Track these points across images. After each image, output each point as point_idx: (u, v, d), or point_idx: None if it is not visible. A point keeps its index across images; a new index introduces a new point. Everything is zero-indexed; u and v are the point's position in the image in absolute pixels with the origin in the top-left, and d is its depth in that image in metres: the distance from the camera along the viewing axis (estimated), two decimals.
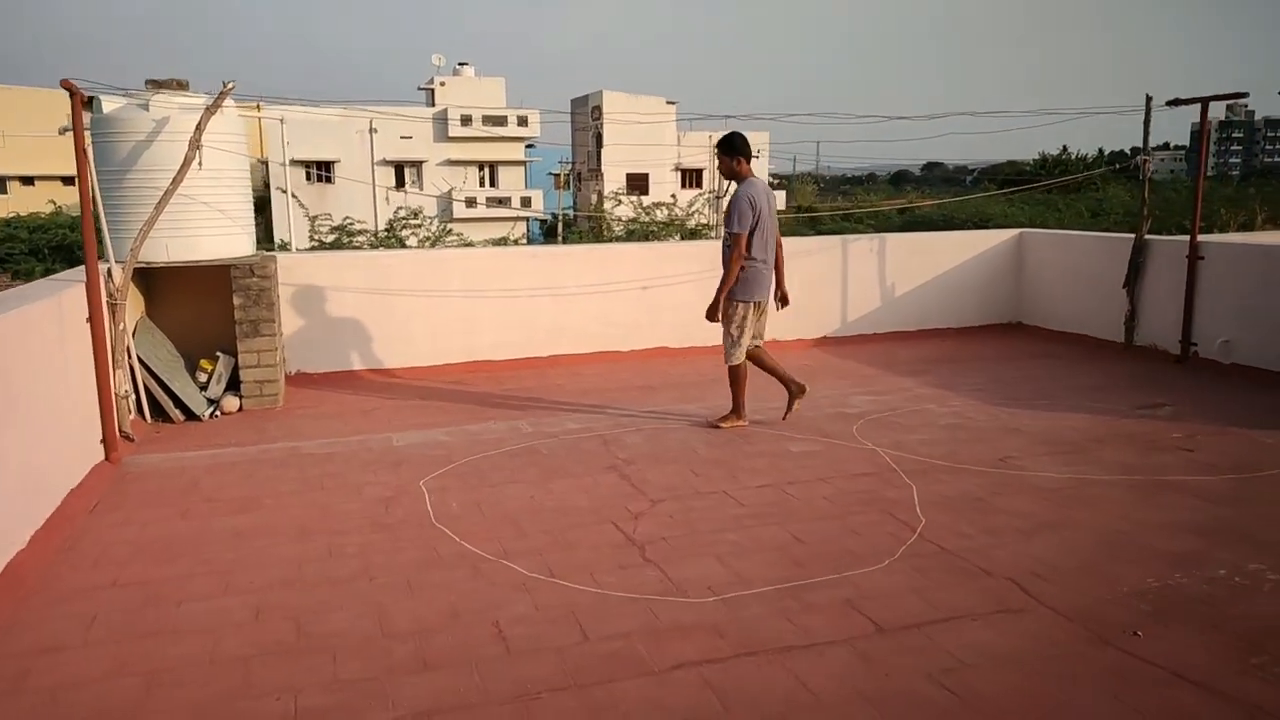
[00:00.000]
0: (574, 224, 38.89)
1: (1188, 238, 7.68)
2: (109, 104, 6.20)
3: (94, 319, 5.25)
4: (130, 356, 6.03)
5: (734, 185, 5.88)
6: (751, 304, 5.83)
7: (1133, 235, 8.26)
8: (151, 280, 6.94)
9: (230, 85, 6.12)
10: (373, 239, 22.18)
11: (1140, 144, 8.17)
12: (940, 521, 4.23)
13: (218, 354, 6.74)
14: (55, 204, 27.03)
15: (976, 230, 11.80)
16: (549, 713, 2.73)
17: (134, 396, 6.16)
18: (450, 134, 47.55)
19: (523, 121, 49.20)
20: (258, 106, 45.46)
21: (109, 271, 5.76)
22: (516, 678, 2.92)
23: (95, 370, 5.28)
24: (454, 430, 6.02)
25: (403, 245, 22.68)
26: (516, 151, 50.30)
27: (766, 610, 3.37)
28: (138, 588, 3.61)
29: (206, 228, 6.38)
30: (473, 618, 3.33)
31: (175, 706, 2.76)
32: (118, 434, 5.70)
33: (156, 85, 6.37)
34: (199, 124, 5.94)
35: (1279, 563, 3.71)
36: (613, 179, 51.60)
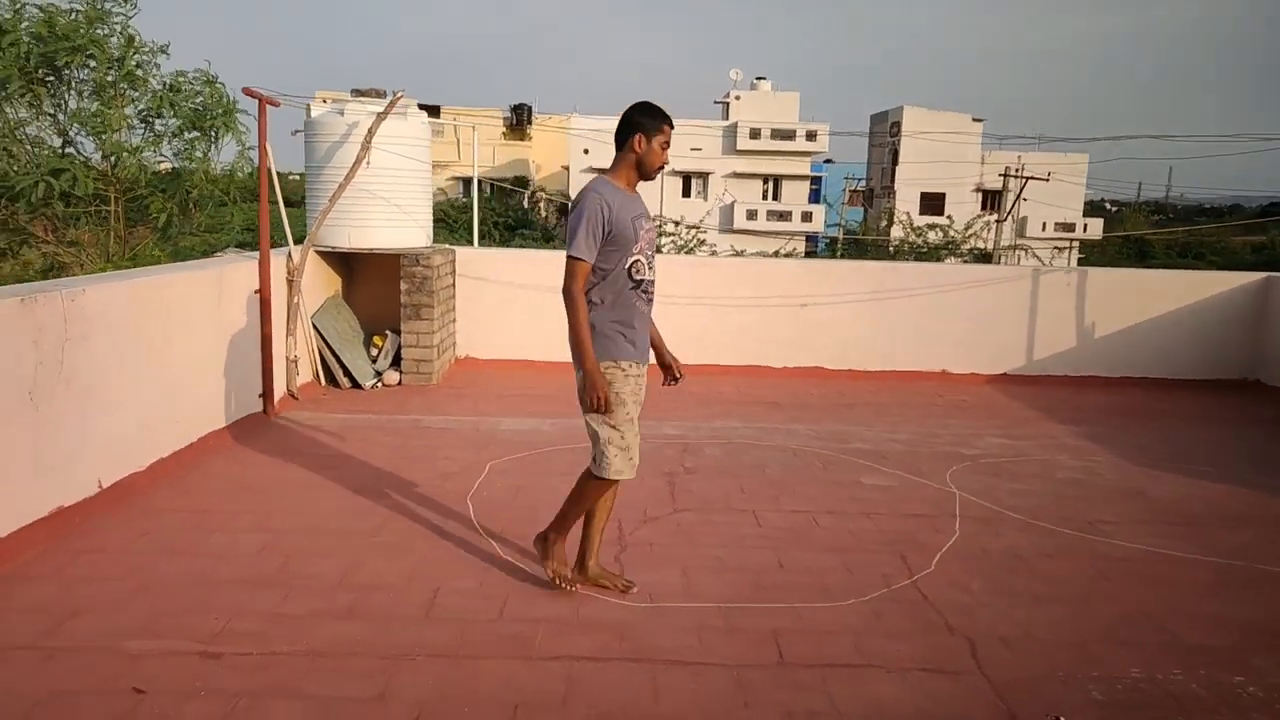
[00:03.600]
0: (857, 239, 38.28)
1: None
2: (316, 108, 7.23)
3: (263, 292, 6.17)
4: (306, 327, 7.00)
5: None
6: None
7: None
8: (353, 263, 7.97)
9: (399, 94, 6.91)
10: None
11: None
12: (950, 573, 3.92)
13: (387, 332, 7.61)
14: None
15: (1211, 271, 10.29)
16: (409, 672, 2.96)
17: (314, 362, 7.16)
18: (738, 147, 48.52)
19: (811, 136, 49.07)
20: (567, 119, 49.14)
21: (289, 253, 6.73)
22: (413, 640, 3.17)
23: (261, 336, 6.21)
24: (560, 422, 6.38)
25: (658, 251, 23.71)
26: (802, 166, 50.24)
27: (687, 624, 3.36)
28: (194, 515, 4.29)
29: (382, 220, 7.23)
30: (422, 583, 3.63)
31: (134, 613, 3.30)
32: (286, 391, 6.67)
33: (359, 94, 7.32)
34: (370, 129, 6.77)
35: None
36: (906, 197, 50.11)
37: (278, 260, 6.62)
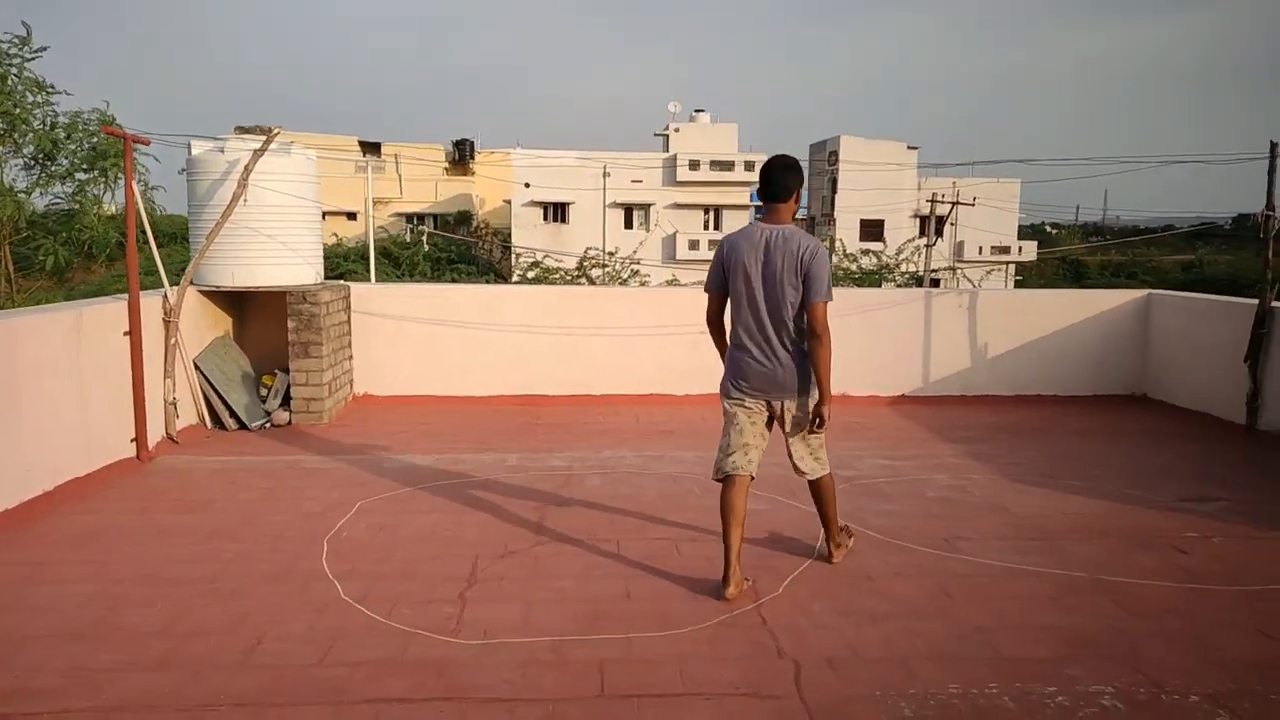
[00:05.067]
0: None
1: None
2: (197, 147, 7.14)
3: (132, 334, 6.03)
4: (187, 368, 6.85)
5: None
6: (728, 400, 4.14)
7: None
8: (244, 302, 7.85)
9: (276, 130, 6.86)
10: (563, 275, 23.48)
11: None
12: (796, 596, 3.92)
13: (276, 371, 7.48)
14: (336, 236, 30.89)
15: (1097, 290, 10.60)
16: None
17: (197, 404, 7.00)
18: (678, 178, 49.00)
19: (750, 166, 49.71)
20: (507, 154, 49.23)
21: (165, 294, 6.59)
22: (219, 689, 3.07)
23: (132, 379, 6.06)
24: (446, 458, 6.30)
25: (591, 282, 23.78)
26: (742, 196, 50.87)
27: (513, 660, 3.30)
28: (27, 567, 4.14)
29: (267, 257, 7.14)
30: (248, 630, 3.53)
31: None
32: (165, 434, 6.51)
33: (242, 131, 7.24)
34: (247, 165, 6.70)
35: (1133, 687, 3.11)
36: (846, 224, 50.94)
37: (153, 301, 6.49)
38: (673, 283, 21.50)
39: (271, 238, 7.12)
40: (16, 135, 10.00)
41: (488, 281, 28.83)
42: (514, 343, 8.31)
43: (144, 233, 6.39)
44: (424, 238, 42.75)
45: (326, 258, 24.86)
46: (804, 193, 4.08)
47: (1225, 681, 3.18)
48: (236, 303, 7.79)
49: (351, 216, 55.03)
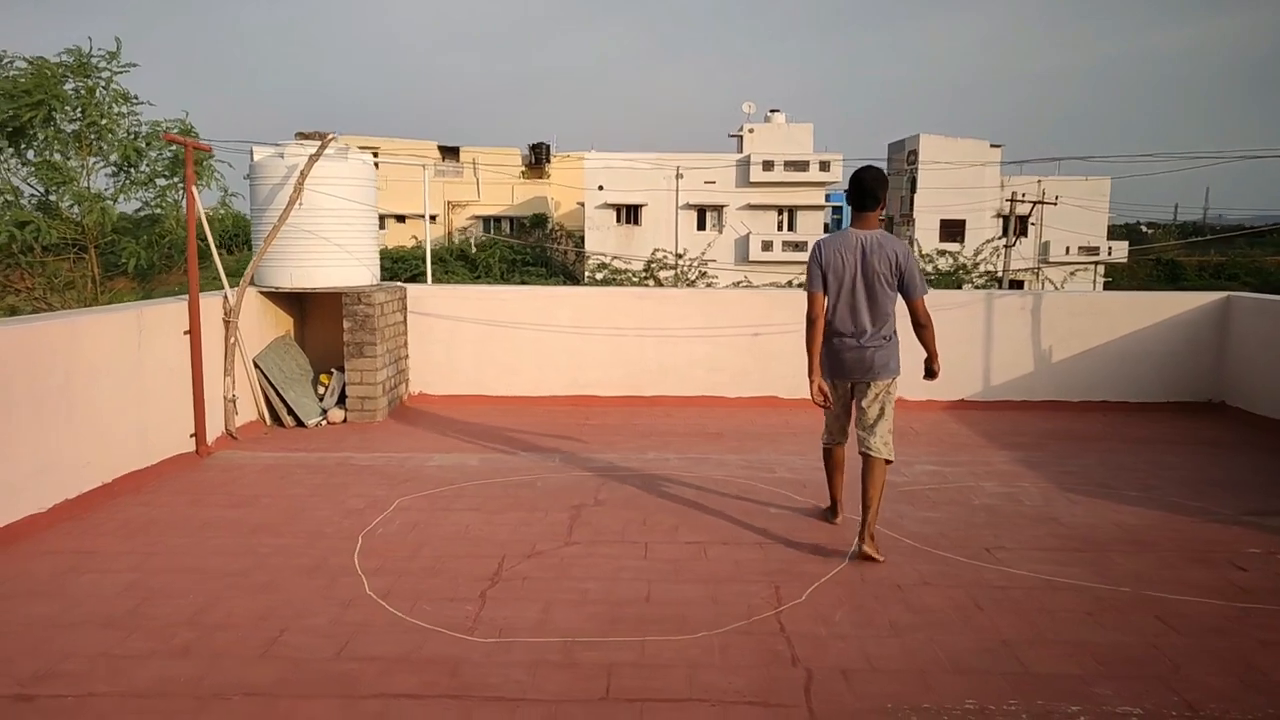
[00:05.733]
0: None
1: None
2: (259, 153, 7.37)
3: (193, 332, 6.26)
4: (247, 366, 7.08)
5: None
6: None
7: None
8: (305, 304, 8.09)
9: (331, 136, 7.04)
10: (633, 277, 23.59)
11: None
12: (819, 603, 3.85)
13: (333, 370, 7.67)
14: (415, 239, 31.70)
15: (1172, 292, 10.12)
16: (216, 713, 2.95)
17: (256, 402, 7.24)
18: (751, 179, 48.68)
19: (825, 166, 49.10)
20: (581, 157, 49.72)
21: (225, 295, 6.82)
22: (235, 680, 3.16)
23: (192, 377, 6.29)
24: (489, 457, 6.38)
25: (659, 284, 23.79)
26: (817, 196, 50.27)
27: (525, 660, 3.32)
28: (76, 555, 4.33)
29: (324, 259, 7.33)
30: (273, 622, 3.62)
31: None
32: (224, 430, 6.74)
33: (303, 137, 7.46)
34: (302, 170, 6.89)
35: (1164, 708, 2.96)
36: (926, 224, 49.96)
37: (214, 302, 6.73)
38: (740, 284, 21.34)
39: (328, 240, 7.31)
40: (104, 144, 10.49)
41: (560, 283, 29.11)
42: (565, 343, 8.36)
43: (205, 237, 6.61)
44: (469, 241, 43.41)
45: (404, 259, 25.73)
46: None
47: (1266, 707, 3.00)
48: (297, 303, 8.02)
49: (432, 219, 56.21)
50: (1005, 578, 4.16)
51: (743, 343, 8.38)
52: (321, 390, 7.64)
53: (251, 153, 7.41)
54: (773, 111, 54.12)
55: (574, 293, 9.32)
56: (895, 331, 4.56)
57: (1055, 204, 33.86)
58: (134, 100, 10.65)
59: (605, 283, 22.94)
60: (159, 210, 10.66)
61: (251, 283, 7.45)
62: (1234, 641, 3.49)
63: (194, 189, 6.27)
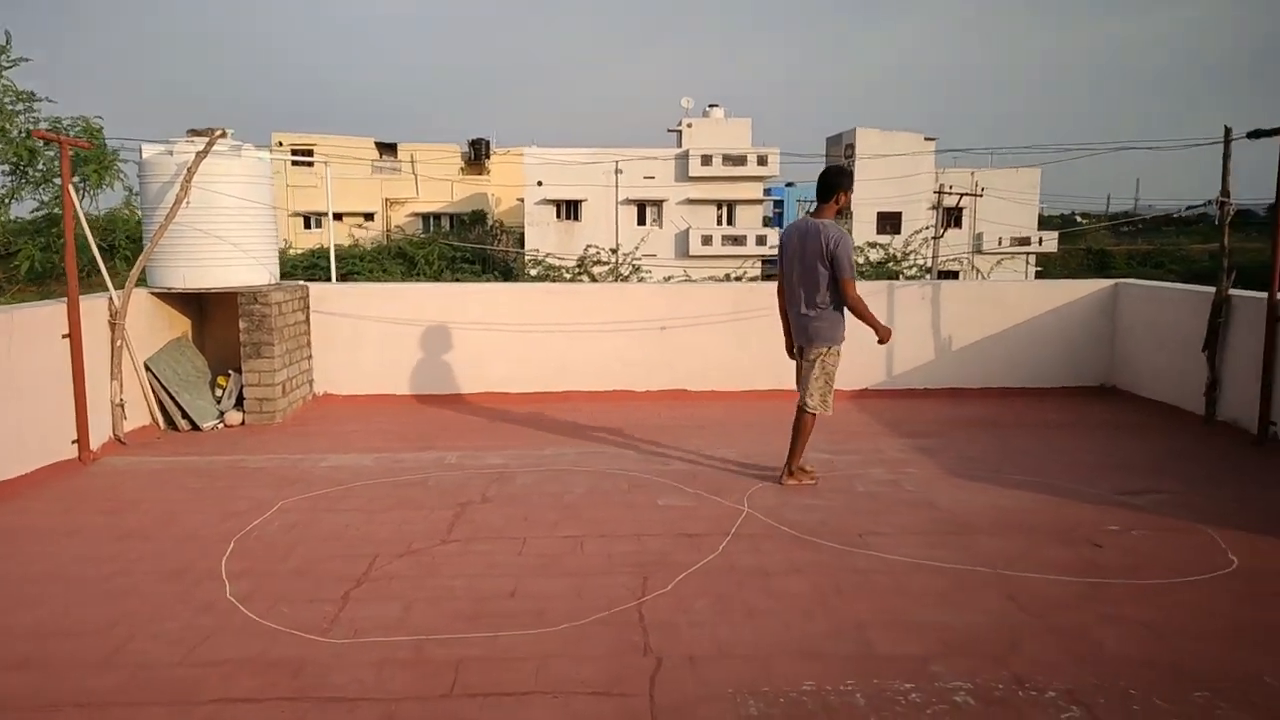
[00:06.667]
0: None
1: (1266, 294, 6.38)
2: (148, 150, 7.20)
3: (72, 336, 6.09)
4: (138, 369, 6.91)
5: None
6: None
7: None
8: (204, 304, 7.91)
9: (219, 132, 6.90)
10: (567, 272, 23.53)
11: None
12: (683, 593, 3.88)
13: (230, 372, 7.53)
14: (354, 238, 31.23)
15: (1065, 280, 10.42)
16: None
17: (150, 405, 7.07)
18: (690, 174, 48.85)
19: (763, 161, 49.48)
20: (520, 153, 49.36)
21: (110, 297, 6.65)
22: (74, 689, 3.09)
23: (73, 381, 6.11)
24: (386, 457, 6.31)
25: (593, 279, 23.77)
26: (756, 191, 50.64)
27: (373, 659, 3.29)
28: None
29: (218, 259, 7.18)
30: (122, 630, 3.54)
31: None
32: (112, 435, 6.57)
33: (194, 134, 7.29)
34: (189, 168, 6.74)
35: (992, 683, 3.05)
36: (863, 218, 50.55)
37: (98, 304, 6.55)
38: (670, 279, 21.41)
39: (222, 239, 7.17)
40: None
41: (495, 280, 28.90)
42: (474, 340, 8.31)
43: (85, 237, 6.43)
44: (408, 238, 42.86)
45: (341, 258, 25.13)
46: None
47: (1089, 677, 3.10)
48: (196, 304, 7.85)
49: (369, 218, 55.43)
50: (872, 562, 4.24)
51: (651, 337, 8.41)
52: (219, 392, 7.49)
53: (140, 150, 7.23)
54: (711, 106, 54.33)
55: (482, 289, 9.27)
56: (830, 306, 5.28)
57: (981, 195, 34.62)
58: (29, 97, 10.31)
59: (540, 279, 22.84)
60: (58, 210, 10.34)
61: (144, 284, 7.28)
62: (1076, 617, 3.61)
63: (70, 189, 6.09)
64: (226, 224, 7.18)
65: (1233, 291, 6.85)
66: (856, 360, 8.38)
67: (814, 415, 5.43)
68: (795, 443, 5.49)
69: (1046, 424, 7.28)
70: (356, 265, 37.11)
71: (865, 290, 8.65)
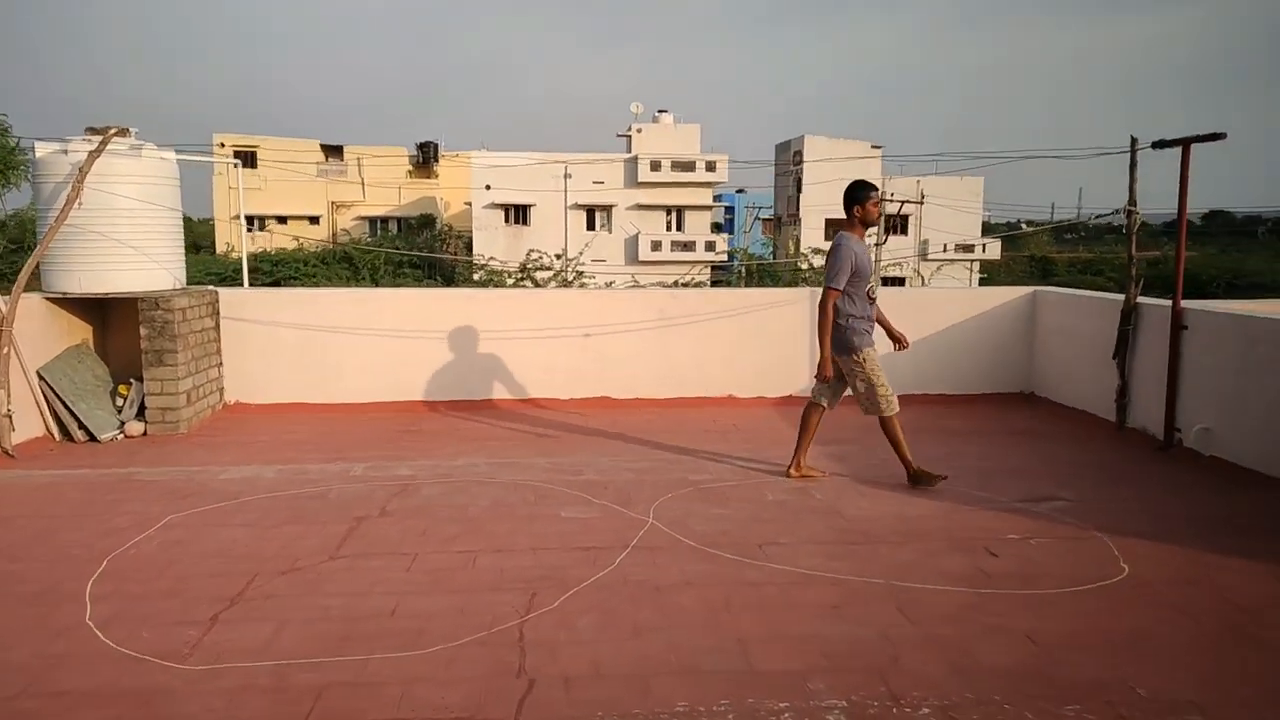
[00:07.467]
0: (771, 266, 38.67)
1: (1170, 301, 6.47)
2: (41, 149, 6.91)
3: None
4: (29, 378, 6.61)
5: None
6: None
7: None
8: (106, 311, 7.61)
9: (113, 131, 6.64)
10: (510, 277, 23.33)
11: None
12: (569, 610, 3.77)
13: (132, 380, 7.25)
14: (298, 240, 30.55)
15: (986, 288, 10.55)
16: None
17: (44, 416, 6.78)
18: (639, 179, 48.86)
19: (711, 167, 49.67)
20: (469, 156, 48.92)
21: None
22: None
23: None
24: (289, 468, 6.10)
25: (536, 285, 23.59)
26: (705, 196, 50.81)
27: (228, 686, 3.13)
28: None
29: (117, 263, 6.91)
30: None
31: None
32: None
33: (92, 132, 7.01)
34: (81, 168, 6.48)
35: (868, 699, 2.98)
36: (812, 224, 51.00)
37: None
38: (611, 284, 21.31)
39: (121, 242, 6.90)
40: None
41: (435, 285, 28.55)
42: (390, 348, 8.12)
43: None
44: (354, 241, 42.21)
45: (283, 262, 24.65)
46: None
47: (965, 691, 3.06)
48: (98, 310, 7.55)
49: (314, 220, 54.52)
50: (766, 574, 4.17)
51: (575, 343, 8.30)
52: (120, 402, 7.21)
53: (34, 148, 6.94)
54: (660, 112, 54.41)
55: (398, 294, 9.07)
56: (850, 316, 5.49)
57: (922, 203, 35.03)
58: None
59: (483, 284, 22.64)
60: None
61: (38, 288, 6.99)
62: (960, 628, 3.57)
63: None
64: (125, 226, 6.92)
65: (1140, 299, 6.93)
66: (780, 368, 8.39)
67: (889, 418, 5.61)
68: (801, 438, 5.82)
69: (963, 431, 7.31)
70: (301, 269, 36.46)
71: (789, 297, 8.68)
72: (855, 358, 5.54)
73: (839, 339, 5.52)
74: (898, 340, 5.87)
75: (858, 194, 5.52)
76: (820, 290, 5.66)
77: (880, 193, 5.58)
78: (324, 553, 4.46)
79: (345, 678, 3.20)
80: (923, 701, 3.00)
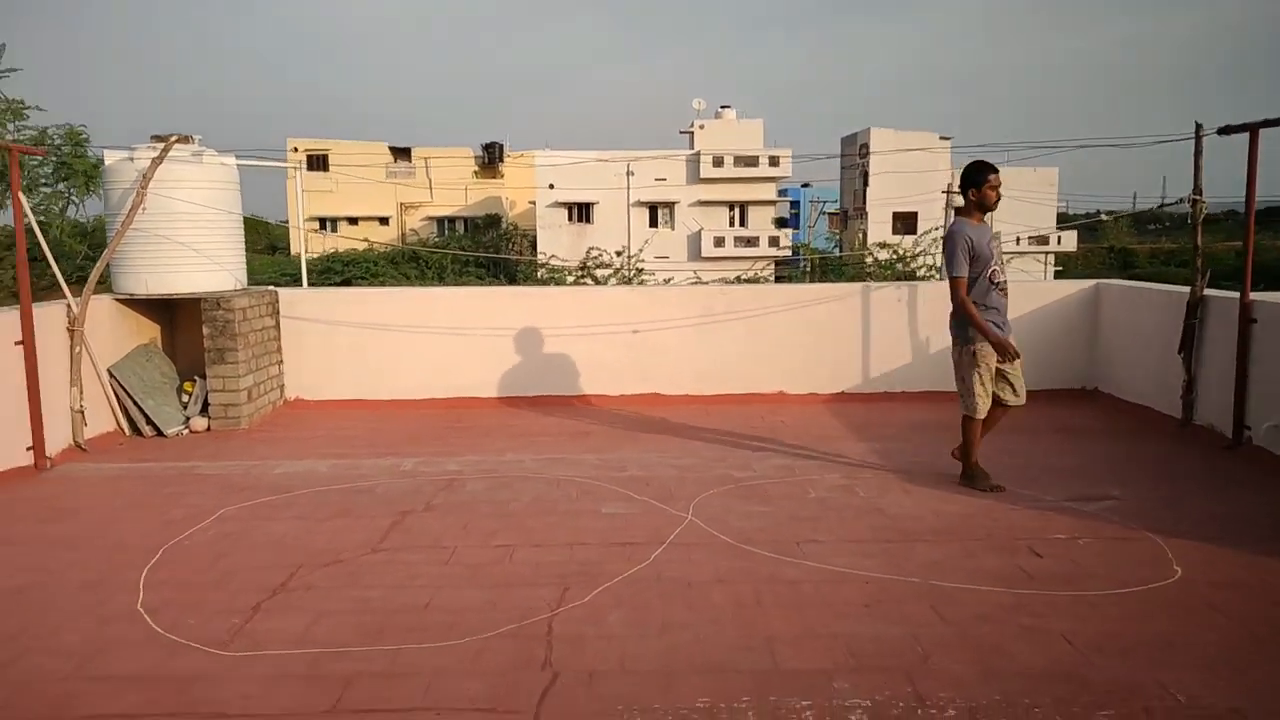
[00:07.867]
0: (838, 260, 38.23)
1: (1239, 294, 6.20)
2: (110, 156, 7.20)
3: (25, 343, 6.08)
4: (100, 376, 6.90)
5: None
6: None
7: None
8: (174, 311, 7.91)
9: (174, 139, 6.88)
10: (570, 275, 23.44)
11: None
12: (600, 604, 3.79)
13: (196, 378, 7.51)
14: (369, 241, 31.32)
15: (1047, 281, 10.23)
16: None
17: (114, 412, 7.07)
18: (702, 175, 48.71)
19: (774, 162, 49.24)
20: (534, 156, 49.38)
21: (68, 304, 6.64)
22: None
23: (27, 387, 6.10)
24: (342, 463, 6.26)
25: (597, 282, 23.66)
26: (768, 191, 50.43)
27: (268, 674, 3.22)
28: None
29: (181, 265, 7.17)
30: (23, 642, 3.48)
31: None
32: (72, 442, 6.57)
33: (158, 140, 7.28)
34: (145, 174, 6.73)
35: (893, 700, 2.93)
36: (879, 218, 50.26)
37: (57, 310, 6.55)
38: (669, 281, 21.25)
39: (185, 245, 7.15)
40: None
41: (498, 283, 28.88)
42: (444, 346, 8.26)
43: (38, 244, 6.44)
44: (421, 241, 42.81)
45: (354, 262, 25.17)
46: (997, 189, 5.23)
47: (994, 693, 2.98)
48: (165, 310, 7.84)
49: (384, 221, 55.64)
50: (802, 572, 4.13)
51: (623, 340, 8.33)
52: (185, 398, 7.48)
53: (102, 157, 7.23)
54: (723, 108, 54.15)
55: (448, 293, 9.19)
56: (958, 306, 5.25)
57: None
58: (20, 105, 10.38)
59: (545, 282, 22.86)
60: (42, 219, 10.41)
61: (107, 290, 7.28)
62: (995, 629, 3.48)
63: (20, 195, 6.09)
64: (187, 229, 7.17)
65: (1208, 291, 6.67)
66: (832, 364, 8.29)
67: (969, 418, 5.37)
68: (963, 446, 5.52)
69: (1016, 428, 7.08)
70: (371, 269, 37.27)
71: (839, 293, 8.57)
72: (969, 349, 5.29)
73: (961, 327, 5.30)
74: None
75: (974, 176, 5.22)
76: (945, 285, 5.48)
77: (999, 175, 5.18)
78: (367, 546, 4.56)
79: (375, 668, 3.27)
80: (949, 703, 2.94)
